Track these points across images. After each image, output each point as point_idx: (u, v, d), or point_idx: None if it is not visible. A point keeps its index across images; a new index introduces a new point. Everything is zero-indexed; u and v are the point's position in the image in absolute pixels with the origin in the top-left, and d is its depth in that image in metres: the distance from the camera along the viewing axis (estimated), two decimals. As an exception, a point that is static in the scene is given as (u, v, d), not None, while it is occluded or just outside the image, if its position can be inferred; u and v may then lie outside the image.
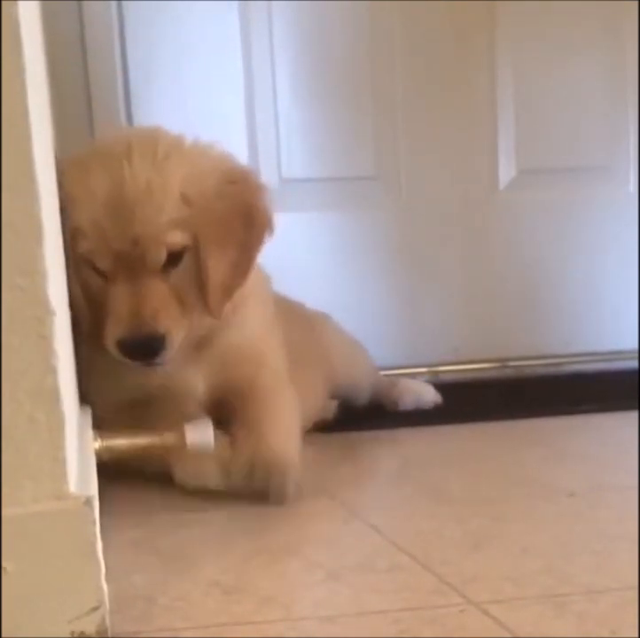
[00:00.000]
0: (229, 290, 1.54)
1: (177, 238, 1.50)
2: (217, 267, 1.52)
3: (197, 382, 1.61)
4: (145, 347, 1.48)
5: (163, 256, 1.49)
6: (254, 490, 1.41)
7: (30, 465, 0.85)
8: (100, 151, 1.57)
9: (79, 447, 1.10)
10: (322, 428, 1.83)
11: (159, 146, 1.54)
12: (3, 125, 0.82)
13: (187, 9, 2.18)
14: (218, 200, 1.53)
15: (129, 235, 1.48)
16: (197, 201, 1.51)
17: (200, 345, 1.59)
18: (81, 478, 0.96)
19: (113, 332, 1.48)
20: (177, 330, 1.49)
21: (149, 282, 1.49)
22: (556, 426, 2.02)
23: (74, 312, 1.46)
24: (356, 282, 2.31)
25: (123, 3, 2.18)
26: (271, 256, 2.25)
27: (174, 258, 1.50)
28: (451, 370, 2.35)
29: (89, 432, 1.33)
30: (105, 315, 1.50)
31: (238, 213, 1.54)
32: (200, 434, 1.39)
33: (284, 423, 1.54)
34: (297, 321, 1.88)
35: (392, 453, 1.77)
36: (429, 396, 2.10)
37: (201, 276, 1.51)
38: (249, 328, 1.65)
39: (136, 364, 1.49)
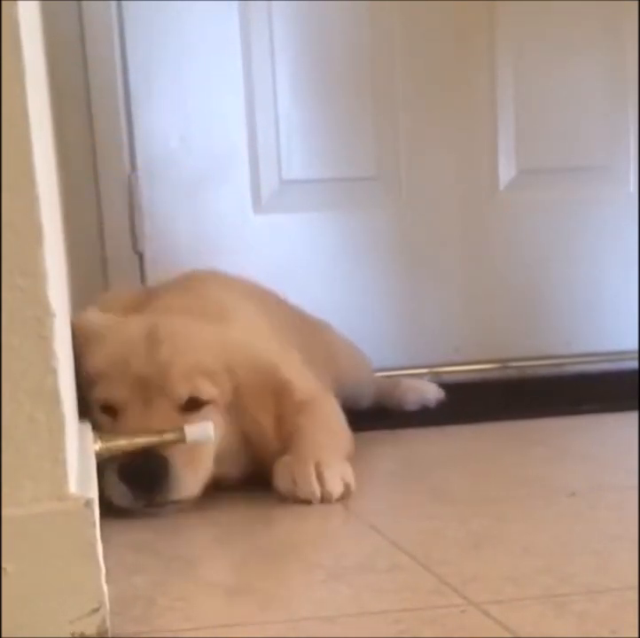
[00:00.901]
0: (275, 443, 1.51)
1: (205, 387, 1.47)
2: (269, 424, 1.51)
3: None
4: (148, 471, 1.38)
5: (184, 395, 1.46)
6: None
7: (30, 466, 0.85)
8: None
9: (79, 448, 1.10)
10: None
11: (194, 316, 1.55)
12: (2, 125, 0.82)
13: (187, 9, 2.18)
14: (256, 374, 1.51)
15: (156, 360, 1.46)
16: (240, 371, 1.50)
17: None
18: (81, 479, 0.96)
19: (114, 460, 1.39)
20: (188, 472, 1.41)
21: (163, 415, 1.44)
22: (556, 426, 2.02)
23: None
24: (357, 282, 2.31)
25: (123, 3, 2.17)
26: (272, 257, 2.27)
27: (194, 405, 1.47)
28: (452, 371, 2.34)
29: (90, 433, 1.33)
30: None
31: (271, 388, 1.52)
32: (200, 432, 1.39)
33: (331, 435, 1.54)
34: (305, 328, 1.89)
35: (392, 453, 1.77)
36: (432, 394, 2.10)
37: (255, 437, 1.49)
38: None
39: (141, 503, 1.39)
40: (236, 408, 1.50)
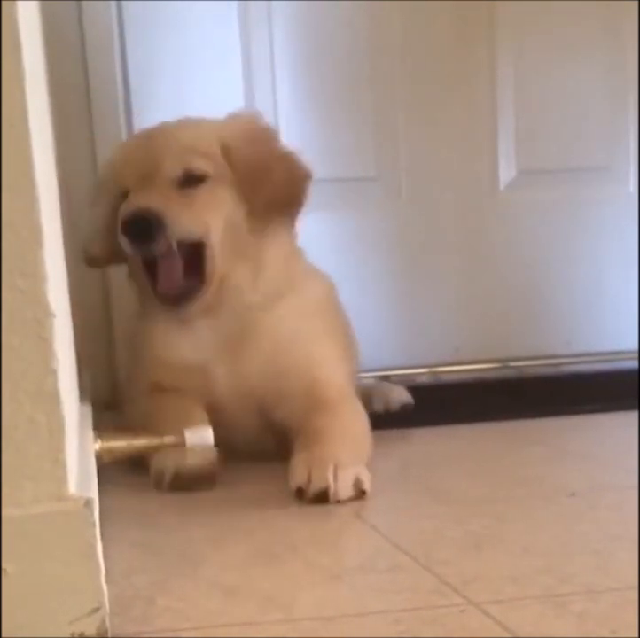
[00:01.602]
0: (270, 210, 1.66)
1: (198, 164, 1.64)
2: (246, 204, 1.64)
3: (246, 375, 1.65)
4: (143, 220, 1.57)
5: (178, 172, 1.63)
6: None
7: (30, 466, 0.85)
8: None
9: (79, 449, 1.10)
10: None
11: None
12: (2, 126, 0.82)
13: (186, 9, 2.18)
14: (256, 146, 1.68)
15: (151, 154, 1.64)
16: (235, 140, 1.67)
17: (242, 331, 1.65)
18: (81, 479, 0.96)
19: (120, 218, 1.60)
20: (181, 220, 1.59)
21: (162, 189, 1.62)
22: (556, 426, 2.02)
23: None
24: (357, 282, 2.31)
25: (123, 3, 2.17)
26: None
27: (192, 180, 1.63)
28: (452, 371, 2.35)
29: (90, 434, 1.33)
30: None
31: (278, 165, 1.69)
32: (200, 436, 1.39)
33: (350, 438, 1.55)
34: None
35: (392, 453, 1.77)
36: (397, 398, 2.07)
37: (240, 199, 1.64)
38: (295, 324, 1.68)
39: (138, 246, 1.59)
40: (239, 183, 1.65)
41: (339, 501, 1.39)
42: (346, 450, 1.48)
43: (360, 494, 1.42)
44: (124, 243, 1.61)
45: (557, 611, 0.95)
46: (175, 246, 1.59)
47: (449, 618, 0.94)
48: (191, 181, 1.63)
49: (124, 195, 1.66)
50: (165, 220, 1.57)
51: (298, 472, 1.43)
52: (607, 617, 0.93)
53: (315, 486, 1.39)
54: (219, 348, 1.65)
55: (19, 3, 0.82)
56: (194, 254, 1.62)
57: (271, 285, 1.68)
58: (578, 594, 1.00)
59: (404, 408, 2.05)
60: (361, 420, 1.65)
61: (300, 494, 1.40)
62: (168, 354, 1.67)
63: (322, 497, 1.39)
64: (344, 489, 1.40)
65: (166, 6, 2.18)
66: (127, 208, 1.62)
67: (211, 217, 1.63)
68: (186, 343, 1.66)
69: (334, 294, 1.81)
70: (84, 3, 2.14)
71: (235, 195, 1.65)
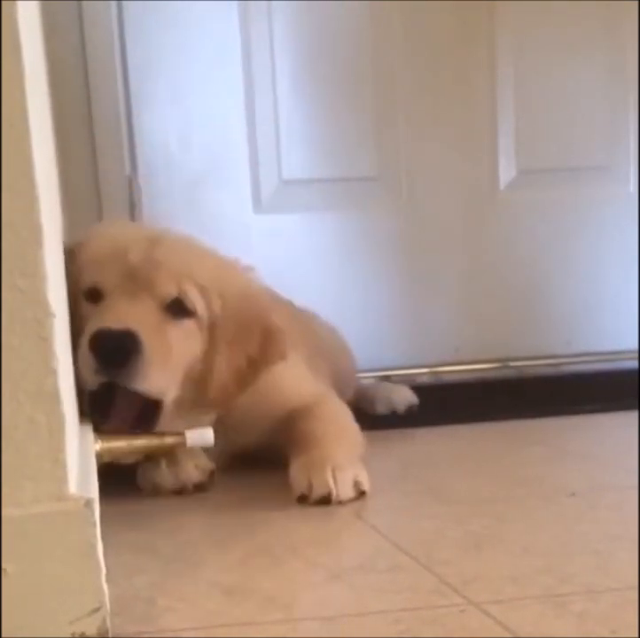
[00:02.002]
0: (228, 395, 1.51)
1: (192, 295, 1.47)
2: (222, 367, 1.49)
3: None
4: (116, 342, 1.36)
5: (172, 294, 1.46)
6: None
7: (30, 466, 0.85)
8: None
9: (79, 449, 1.10)
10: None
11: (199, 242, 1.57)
12: (2, 126, 0.82)
13: (186, 9, 2.18)
14: (241, 302, 1.52)
15: (152, 256, 1.47)
16: (224, 289, 1.50)
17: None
18: (81, 479, 0.96)
19: (89, 330, 1.38)
20: (157, 365, 1.39)
21: (147, 308, 1.44)
22: (556, 426, 2.02)
23: None
24: (357, 282, 2.31)
25: (123, 3, 2.17)
26: (272, 256, 2.26)
27: (178, 311, 1.47)
28: (452, 371, 2.35)
29: (90, 434, 1.33)
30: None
31: (259, 327, 1.53)
32: (200, 436, 1.39)
33: (342, 435, 1.55)
34: (304, 327, 1.90)
35: (392, 453, 1.77)
36: (401, 399, 2.08)
37: (207, 363, 1.48)
38: (278, 390, 1.60)
39: (104, 370, 1.37)
40: (215, 333, 1.49)
41: (340, 502, 1.40)
42: (341, 451, 1.48)
43: (360, 494, 1.43)
44: (86, 360, 1.36)
45: (557, 611, 0.95)
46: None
47: (450, 618, 0.94)
48: (178, 311, 1.47)
49: (91, 293, 1.46)
50: (145, 353, 1.38)
51: (298, 479, 1.43)
52: (607, 617, 0.93)
53: (316, 492, 1.40)
54: None
55: (19, 3, 0.82)
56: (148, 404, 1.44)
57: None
58: (578, 594, 1.00)
59: (409, 409, 2.05)
60: (345, 418, 1.65)
61: (303, 500, 1.41)
62: None
63: (324, 501, 1.40)
64: (345, 491, 1.41)
65: (166, 6, 2.18)
66: (102, 318, 1.40)
67: (178, 366, 1.45)
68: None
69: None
70: (84, 3, 2.14)
71: (205, 339, 1.49)
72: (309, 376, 1.71)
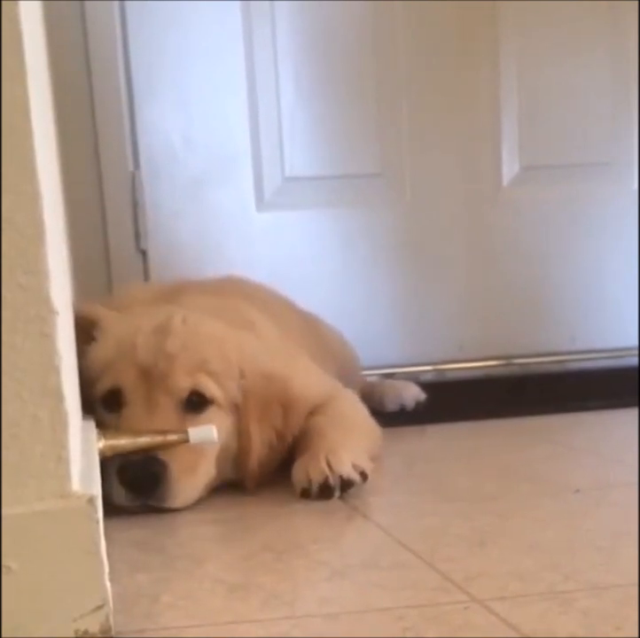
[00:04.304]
0: (263, 467, 1.51)
1: (208, 385, 1.47)
2: (257, 443, 1.50)
3: None
4: (146, 476, 1.38)
5: (186, 392, 1.46)
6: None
7: (34, 464, 0.85)
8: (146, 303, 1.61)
9: (82, 446, 1.10)
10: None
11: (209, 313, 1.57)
12: (4, 125, 0.82)
13: (189, 7, 2.18)
14: (262, 381, 1.52)
15: (162, 351, 1.46)
16: (249, 376, 1.51)
17: None
18: (84, 476, 0.96)
19: (115, 460, 1.39)
20: (185, 477, 1.41)
21: (166, 415, 1.45)
22: (560, 423, 2.02)
23: None
24: (361, 279, 2.31)
25: (126, 3, 2.17)
26: (277, 254, 2.26)
27: (197, 404, 1.47)
28: (456, 368, 2.34)
29: (93, 431, 1.33)
30: None
31: (279, 400, 1.53)
32: (203, 434, 1.39)
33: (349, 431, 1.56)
34: (310, 328, 1.92)
35: (396, 450, 1.76)
36: (410, 395, 2.08)
37: (240, 446, 1.49)
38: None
39: (137, 504, 1.39)
40: (239, 413, 1.50)
41: (347, 487, 1.41)
42: (338, 439, 1.49)
43: (364, 475, 1.44)
44: (116, 488, 1.39)
45: (561, 608, 0.95)
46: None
47: (453, 615, 0.94)
48: (197, 402, 1.47)
49: (107, 400, 1.47)
50: (170, 481, 1.39)
51: (298, 476, 1.44)
52: (612, 613, 0.93)
53: (315, 482, 1.41)
54: None
55: (20, 3, 0.83)
56: None
57: None
58: (582, 590, 1.00)
59: (418, 405, 2.06)
60: (357, 413, 1.67)
61: (306, 495, 1.42)
62: None
63: (325, 490, 1.40)
64: (342, 470, 1.41)
65: (168, 5, 2.18)
66: (128, 453, 1.39)
67: (208, 461, 1.46)
68: None
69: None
70: (87, 3, 2.14)
71: (230, 422, 1.50)
72: (320, 373, 1.72)
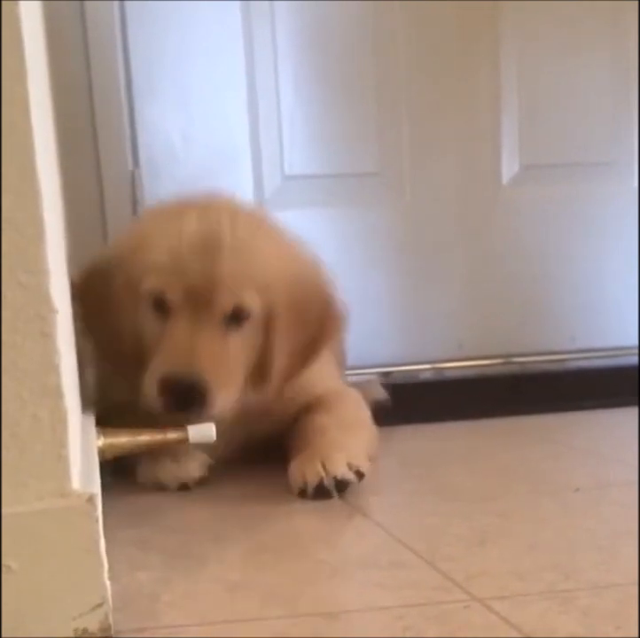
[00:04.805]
0: (289, 376, 1.55)
1: (251, 300, 1.50)
2: (284, 351, 1.53)
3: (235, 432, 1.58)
4: (185, 392, 1.43)
5: (229, 307, 1.49)
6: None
7: (34, 463, 0.86)
8: (188, 206, 1.58)
9: (82, 445, 1.10)
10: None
11: (253, 215, 1.61)
12: (4, 124, 0.82)
13: (189, 6, 2.18)
14: (299, 287, 1.55)
15: (210, 272, 1.48)
16: (281, 281, 1.53)
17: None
18: (84, 475, 0.96)
19: (158, 368, 1.45)
20: (222, 392, 1.45)
21: (210, 330, 1.48)
22: (560, 422, 2.02)
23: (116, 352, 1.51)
24: (360, 277, 2.31)
25: (126, 3, 2.17)
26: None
27: (238, 318, 1.50)
28: (455, 367, 2.34)
29: (93, 430, 1.33)
30: (152, 356, 1.48)
31: (316, 307, 1.56)
32: (202, 431, 1.39)
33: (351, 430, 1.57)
34: None
35: (395, 449, 1.77)
36: (371, 395, 2.06)
37: (265, 354, 1.52)
38: (310, 389, 1.64)
39: (174, 411, 1.44)
40: (272, 324, 1.52)
41: (340, 493, 1.41)
42: (337, 439, 1.50)
43: (360, 475, 1.44)
44: (155, 399, 1.45)
45: (561, 607, 0.95)
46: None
47: (453, 614, 0.94)
48: (236, 317, 1.50)
49: (158, 302, 1.50)
50: (209, 397, 1.44)
51: (294, 476, 1.45)
52: (612, 612, 0.93)
53: (311, 483, 1.42)
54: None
55: (20, 2, 0.83)
56: None
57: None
58: (582, 589, 1.00)
59: (379, 405, 2.04)
60: (358, 415, 1.67)
61: (303, 495, 1.42)
62: None
63: (321, 491, 1.41)
64: (338, 471, 1.42)
65: (168, 6, 2.18)
66: (170, 355, 1.46)
67: (240, 376, 1.50)
68: None
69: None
70: (87, 3, 2.14)
71: (261, 334, 1.53)
72: (335, 372, 1.74)
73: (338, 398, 1.67)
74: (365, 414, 1.70)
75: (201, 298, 1.48)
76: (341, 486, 1.42)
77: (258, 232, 1.56)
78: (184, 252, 1.49)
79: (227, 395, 1.47)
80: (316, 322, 1.57)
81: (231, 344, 1.50)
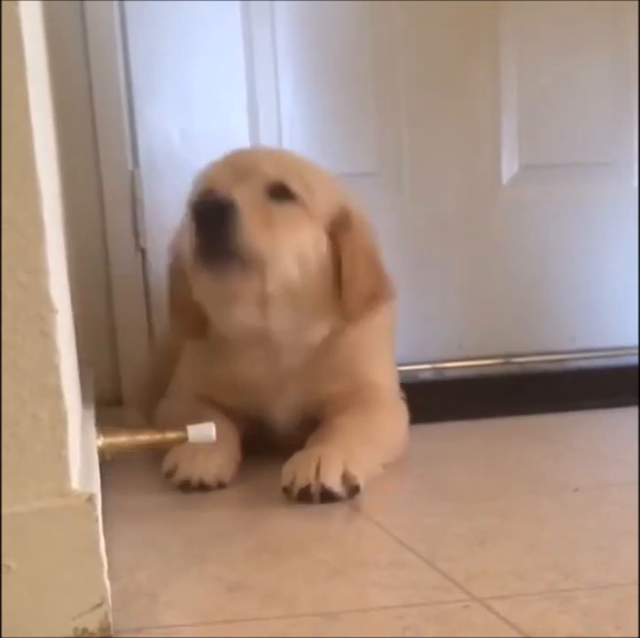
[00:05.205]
0: (362, 308, 1.57)
1: (295, 180, 1.54)
2: (360, 277, 1.56)
3: (304, 395, 1.62)
4: (211, 204, 1.45)
5: (274, 176, 1.52)
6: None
7: (33, 463, 0.86)
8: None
9: (82, 445, 1.10)
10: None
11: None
12: (4, 124, 0.82)
13: (189, 7, 2.18)
14: (353, 215, 1.60)
15: (253, 156, 1.59)
16: (332, 193, 1.60)
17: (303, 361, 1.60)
18: (83, 475, 0.96)
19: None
20: (257, 221, 1.46)
21: (248, 183, 1.51)
22: (559, 422, 2.02)
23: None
24: (360, 278, 2.31)
25: (126, 3, 2.17)
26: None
27: (282, 196, 1.53)
28: (455, 367, 2.34)
29: (93, 430, 1.33)
30: None
31: (369, 256, 1.61)
32: (202, 432, 1.39)
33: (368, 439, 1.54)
34: None
35: (396, 449, 1.76)
36: None
37: (337, 272, 1.56)
38: (358, 356, 1.65)
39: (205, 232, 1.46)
40: (340, 239, 1.56)
41: (327, 501, 1.37)
42: (347, 447, 1.45)
43: (352, 490, 1.39)
44: (188, 228, 1.48)
45: (561, 607, 0.95)
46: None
47: (453, 614, 0.94)
48: (281, 195, 1.53)
49: (204, 193, 1.55)
50: (239, 214, 1.44)
51: (286, 472, 1.41)
52: (612, 612, 0.93)
53: (298, 485, 1.37)
54: (274, 383, 1.63)
55: (20, 2, 0.83)
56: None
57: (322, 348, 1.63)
58: (582, 589, 1.00)
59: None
60: (391, 423, 1.65)
61: (287, 493, 1.39)
62: (227, 369, 1.64)
63: (306, 495, 1.36)
64: (329, 484, 1.37)
65: (168, 3, 2.18)
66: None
67: (285, 242, 1.50)
68: (245, 367, 1.62)
69: (390, 319, 1.75)
70: (86, 3, 2.14)
71: (323, 238, 1.56)
72: (392, 371, 1.73)
73: (380, 402, 1.64)
74: (398, 425, 1.67)
75: (244, 171, 1.52)
76: (327, 496, 1.36)
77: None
78: (222, 163, 1.58)
79: (262, 236, 1.47)
80: (372, 271, 1.59)
81: (274, 211, 1.50)
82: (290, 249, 1.51)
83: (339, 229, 1.57)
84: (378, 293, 1.60)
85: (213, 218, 1.45)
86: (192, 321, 1.62)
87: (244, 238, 1.45)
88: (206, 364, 1.66)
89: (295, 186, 1.53)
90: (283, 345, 1.59)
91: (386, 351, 1.73)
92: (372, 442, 1.53)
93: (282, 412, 1.66)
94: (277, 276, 1.50)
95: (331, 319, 1.59)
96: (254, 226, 1.46)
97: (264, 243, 1.47)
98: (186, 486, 1.47)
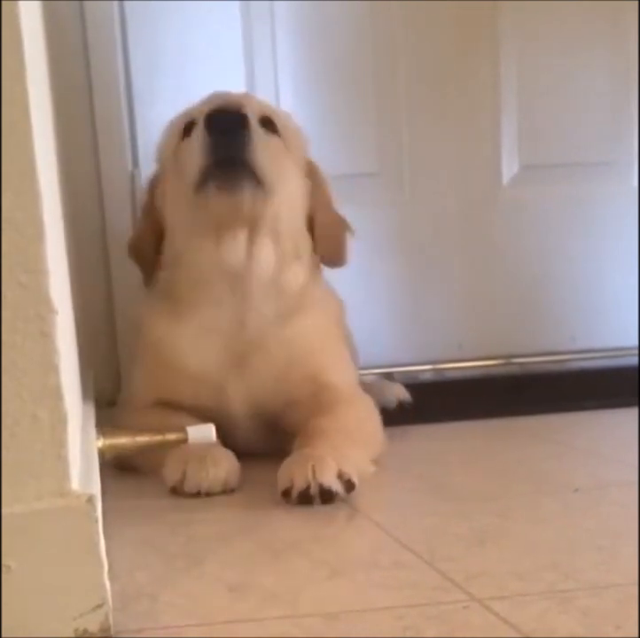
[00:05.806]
0: (332, 244, 1.70)
1: (277, 119, 1.61)
2: (324, 208, 1.70)
3: (258, 386, 1.64)
4: (229, 115, 1.46)
5: (263, 109, 1.59)
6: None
7: (33, 463, 0.85)
8: None
9: (82, 445, 1.10)
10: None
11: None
12: (4, 124, 0.82)
13: (189, 7, 2.18)
14: (320, 172, 1.73)
15: (234, 96, 1.62)
16: (306, 147, 1.70)
17: (255, 346, 1.63)
18: (83, 475, 0.96)
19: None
20: (268, 157, 1.51)
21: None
22: (560, 422, 2.02)
23: None
24: (360, 279, 2.31)
25: (126, 3, 2.17)
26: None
27: (267, 126, 1.57)
28: (455, 367, 2.34)
29: (92, 430, 1.33)
30: None
31: (335, 218, 1.75)
32: (202, 432, 1.39)
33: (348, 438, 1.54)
34: None
35: (395, 450, 1.76)
36: (392, 395, 2.06)
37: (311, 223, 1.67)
38: (306, 337, 1.67)
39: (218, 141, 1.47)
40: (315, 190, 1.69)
41: (328, 500, 1.37)
42: (334, 448, 1.45)
43: (348, 486, 1.39)
44: (199, 141, 1.48)
45: (561, 607, 0.95)
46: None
47: (453, 615, 0.94)
48: (266, 125, 1.58)
49: (187, 128, 1.58)
50: (251, 132, 1.47)
51: (282, 476, 1.41)
52: (612, 612, 0.93)
53: (297, 487, 1.37)
54: (231, 362, 1.64)
55: (20, 2, 0.83)
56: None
57: (290, 305, 1.67)
58: (582, 589, 1.00)
59: (401, 406, 2.04)
60: (367, 420, 1.66)
61: (287, 496, 1.38)
62: (179, 363, 1.64)
63: (306, 497, 1.37)
64: (328, 483, 1.37)
65: (167, 5, 2.18)
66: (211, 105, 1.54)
67: (279, 175, 1.55)
68: (198, 354, 1.64)
69: (342, 311, 1.83)
70: (86, 3, 2.14)
71: (305, 184, 1.68)
72: (349, 373, 1.74)
73: (347, 401, 1.65)
74: (373, 420, 1.68)
75: (233, 105, 1.52)
76: (326, 495, 1.37)
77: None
78: (208, 99, 1.62)
79: (269, 160, 1.51)
80: (335, 210, 1.71)
81: (271, 144, 1.54)
82: (289, 179, 1.59)
83: (309, 176, 1.67)
84: (346, 233, 1.73)
85: (227, 129, 1.45)
86: (151, 265, 1.68)
87: (258, 155, 1.47)
88: (160, 355, 1.66)
89: (280, 123, 1.60)
90: (256, 291, 1.60)
91: (339, 345, 1.75)
92: (355, 441, 1.54)
93: (241, 405, 1.65)
94: (280, 204, 1.56)
95: (306, 265, 1.66)
96: (262, 147, 1.50)
97: (270, 167, 1.52)
98: (197, 496, 1.46)
